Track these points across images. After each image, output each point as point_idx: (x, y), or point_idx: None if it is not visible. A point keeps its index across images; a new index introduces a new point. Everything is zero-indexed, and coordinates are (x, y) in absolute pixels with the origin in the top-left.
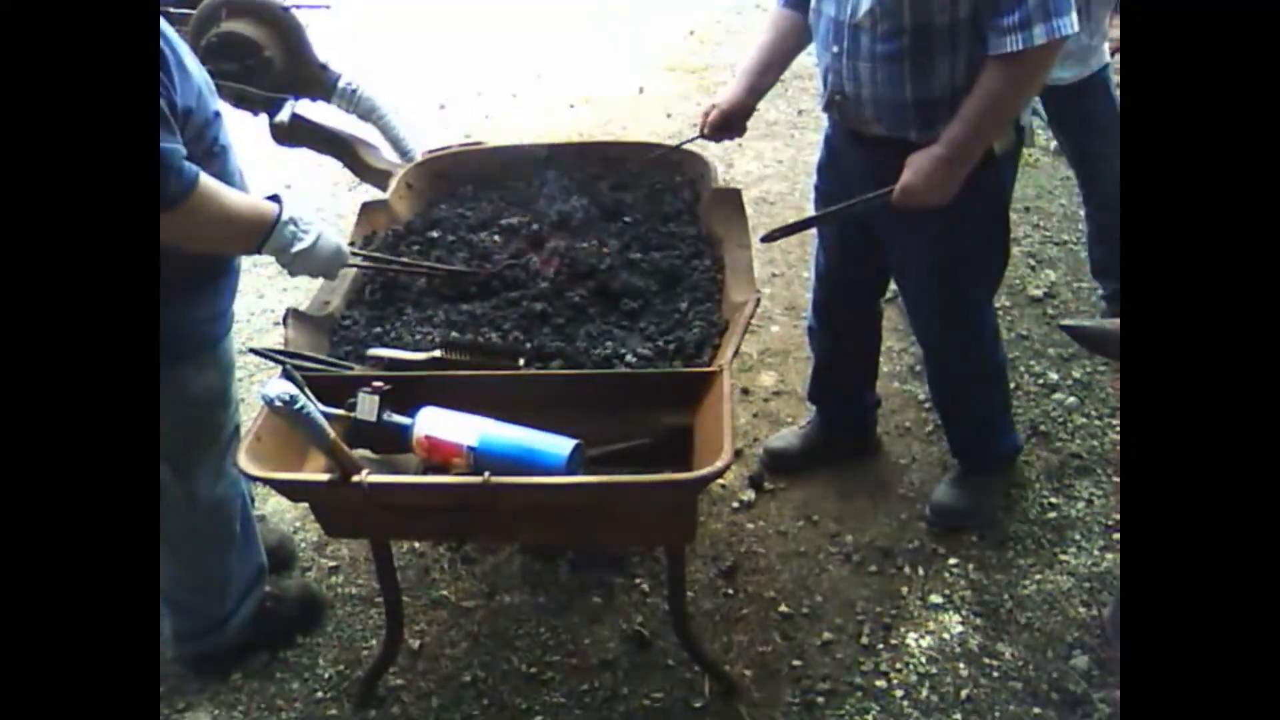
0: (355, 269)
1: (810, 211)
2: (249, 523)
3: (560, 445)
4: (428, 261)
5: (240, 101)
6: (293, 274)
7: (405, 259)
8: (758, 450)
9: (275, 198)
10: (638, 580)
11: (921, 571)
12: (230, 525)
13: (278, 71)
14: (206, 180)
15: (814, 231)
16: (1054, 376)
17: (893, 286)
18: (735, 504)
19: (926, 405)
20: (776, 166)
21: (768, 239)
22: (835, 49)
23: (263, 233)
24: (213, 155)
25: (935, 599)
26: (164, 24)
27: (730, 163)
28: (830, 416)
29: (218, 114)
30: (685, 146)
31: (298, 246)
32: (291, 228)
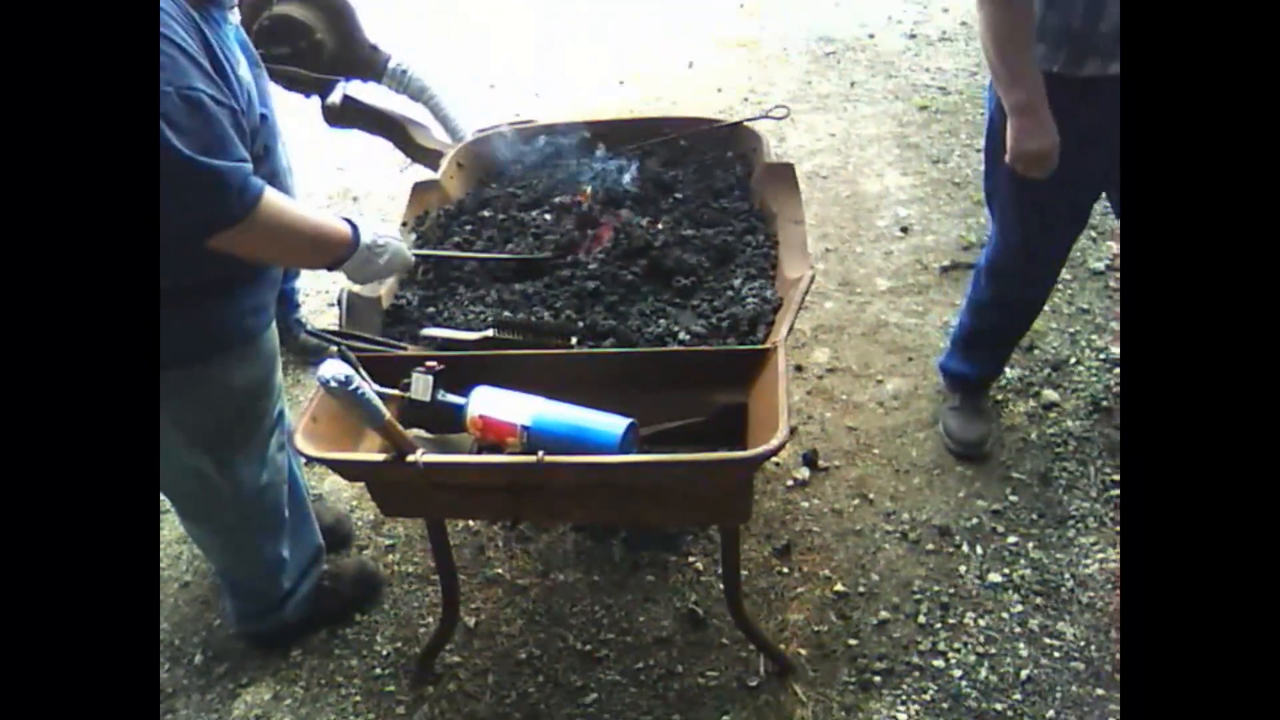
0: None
1: (862, 184)
2: (303, 505)
3: (613, 424)
4: (490, 253)
5: (292, 84)
6: (359, 283)
7: (471, 253)
8: (811, 428)
9: (351, 222)
10: (691, 559)
11: (980, 550)
12: (278, 511)
13: (329, 54)
14: (272, 197)
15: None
16: (1116, 351)
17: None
18: (789, 482)
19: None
20: (829, 140)
21: None
22: None
23: (335, 252)
24: (257, 159)
25: (994, 578)
26: (229, 26)
27: (782, 136)
28: (976, 378)
29: (264, 117)
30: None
31: (371, 268)
32: (370, 250)
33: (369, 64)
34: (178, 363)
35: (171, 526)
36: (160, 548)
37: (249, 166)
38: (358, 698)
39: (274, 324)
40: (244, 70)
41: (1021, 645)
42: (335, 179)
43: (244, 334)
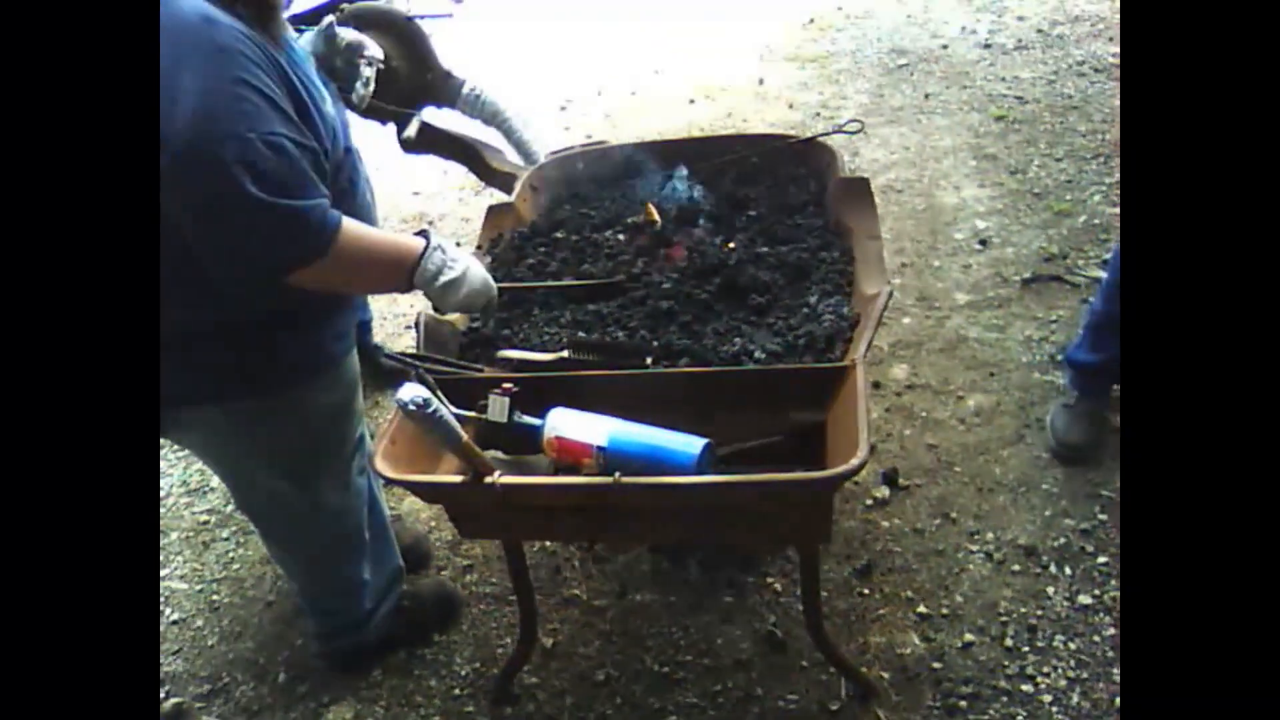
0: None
1: (938, 197)
2: (382, 528)
3: (690, 444)
4: (565, 280)
5: (368, 112)
6: (444, 309)
7: (545, 283)
8: (891, 446)
9: (424, 233)
10: (769, 579)
11: (1068, 571)
12: (357, 533)
13: (404, 80)
14: (349, 227)
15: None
16: None
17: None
18: (869, 501)
19: None
20: (904, 153)
21: None
22: None
23: (409, 268)
24: (343, 193)
25: (1084, 599)
26: (307, 66)
27: (856, 151)
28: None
29: (349, 150)
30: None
31: (446, 277)
32: (440, 255)
33: (443, 89)
34: (262, 390)
35: (255, 547)
36: (247, 567)
37: (327, 203)
38: (437, 718)
39: (355, 349)
40: (329, 107)
41: (1115, 670)
42: (411, 203)
43: (326, 361)
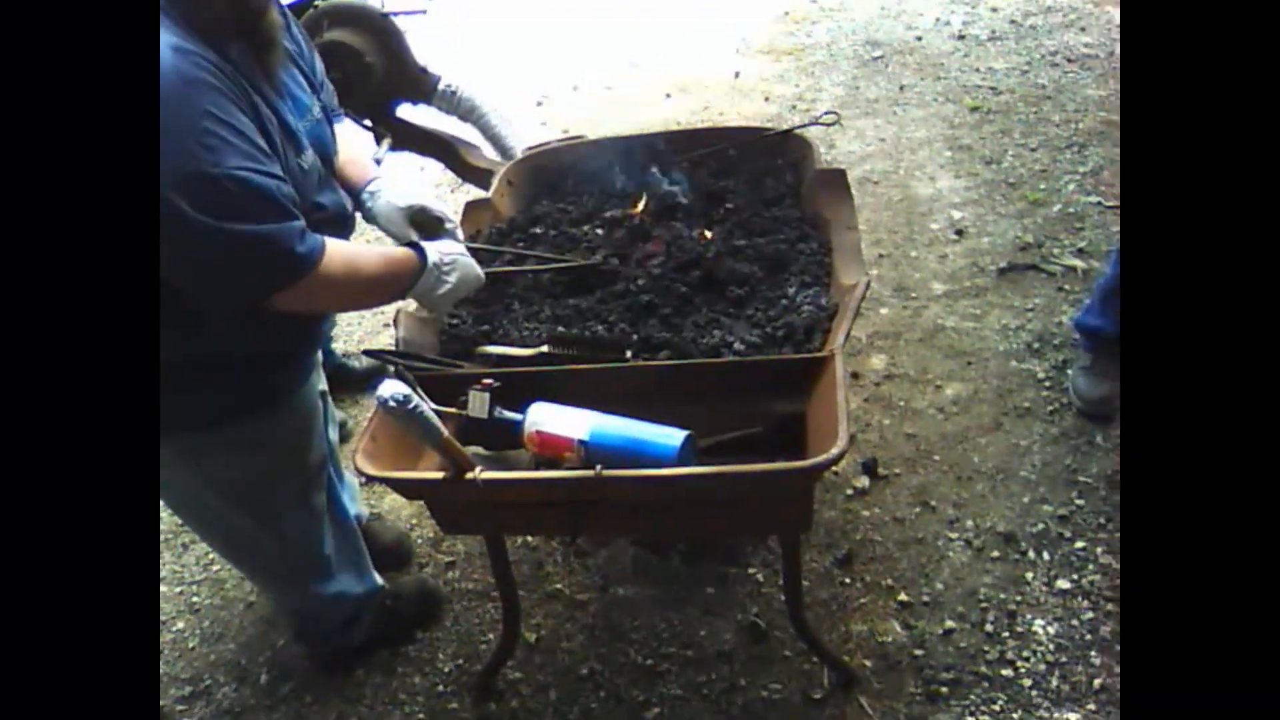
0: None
1: (914, 188)
2: (357, 551)
3: (671, 436)
4: (548, 259)
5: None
6: (435, 312)
7: (534, 254)
8: (870, 436)
9: (417, 247)
10: (752, 570)
11: (1047, 556)
12: (319, 552)
13: (379, 77)
14: (335, 248)
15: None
16: None
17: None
18: (849, 491)
19: (1046, 384)
20: (879, 145)
21: None
22: None
23: (405, 283)
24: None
25: (1063, 584)
26: (293, 109)
27: (832, 143)
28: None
29: (319, 205)
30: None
31: (441, 290)
32: (436, 274)
33: (419, 86)
34: (216, 424)
35: None
36: (226, 568)
37: (300, 225)
38: (421, 715)
39: (312, 376)
40: (304, 160)
41: (1094, 653)
42: None
43: (291, 388)
